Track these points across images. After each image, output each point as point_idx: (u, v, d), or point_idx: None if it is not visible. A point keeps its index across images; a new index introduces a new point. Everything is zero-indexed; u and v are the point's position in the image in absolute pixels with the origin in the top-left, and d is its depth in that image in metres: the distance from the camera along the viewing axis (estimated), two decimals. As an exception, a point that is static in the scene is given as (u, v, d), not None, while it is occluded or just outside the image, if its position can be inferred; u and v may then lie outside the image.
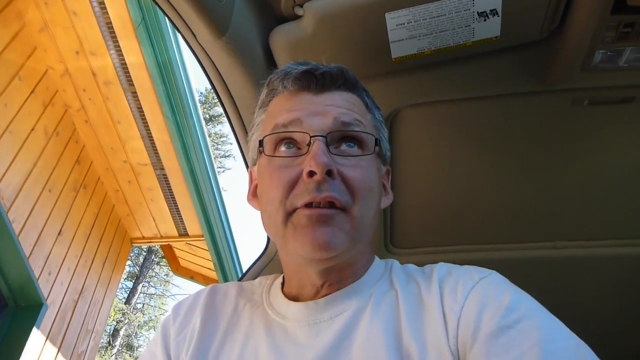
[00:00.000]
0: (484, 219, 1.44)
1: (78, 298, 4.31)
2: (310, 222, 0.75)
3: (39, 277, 3.63)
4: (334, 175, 0.76)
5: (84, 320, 4.44)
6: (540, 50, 1.03)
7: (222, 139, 19.65)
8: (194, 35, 0.96)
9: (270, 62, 1.08)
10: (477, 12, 0.94)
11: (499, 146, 1.27)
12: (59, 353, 3.99)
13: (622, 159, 1.26)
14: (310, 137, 0.78)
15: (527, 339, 0.64)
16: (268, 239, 1.44)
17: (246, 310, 0.91)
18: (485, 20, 0.95)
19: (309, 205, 0.75)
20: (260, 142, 0.85)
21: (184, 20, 0.93)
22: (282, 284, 0.94)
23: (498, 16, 0.94)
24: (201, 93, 19.03)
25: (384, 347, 0.72)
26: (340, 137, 0.81)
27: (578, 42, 0.96)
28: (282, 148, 0.82)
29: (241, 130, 1.17)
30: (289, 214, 0.78)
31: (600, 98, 1.12)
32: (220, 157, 19.54)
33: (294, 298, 0.88)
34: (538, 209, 1.39)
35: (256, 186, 0.91)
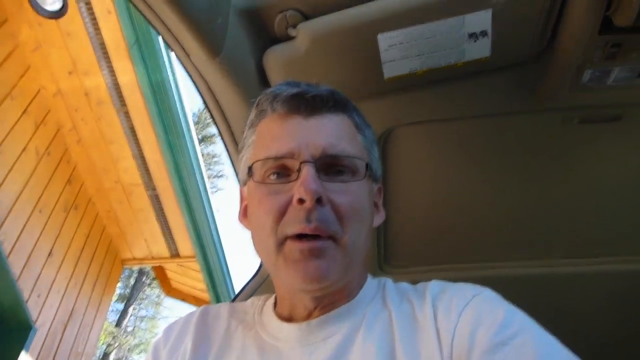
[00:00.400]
0: (478, 237, 1.44)
1: (68, 321, 4.25)
2: (302, 256, 0.75)
3: (28, 299, 3.59)
4: (323, 202, 0.76)
5: (73, 343, 4.37)
6: (529, 70, 1.05)
7: (214, 160, 19.63)
8: (188, 56, 0.97)
9: (264, 82, 1.09)
10: (468, 34, 0.96)
11: (491, 165, 1.28)
12: (48, 377, 3.92)
13: (613, 175, 1.27)
14: (300, 163, 0.78)
15: (522, 355, 0.64)
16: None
17: (238, 331, 0.90)
18: (475, 42, 0.97)
19: (299, 235, 0.75)
20: (250, 168, 0.85)
21: (178, 41, 0.94)
22: (275, 304, 0.93)
23: (488, 37, 0.96)
24: (194, 114, 19.06)
25: None
26: (330, 164, 0.81)
27: (566, 62, 0.98)
28: (272, 176, 0.82)
29: (234, 149, 1.17)
30: (281, 244, 0.77)
31: (590, 116, 1.14)
32: (213, 177, 19.50)
33: (287, 319, 0.87)
34: (532, 226, 1.40)
35: (246, 206, 0.91)
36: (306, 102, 0.83)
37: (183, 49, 0.95)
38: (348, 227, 0.77)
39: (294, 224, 0.76)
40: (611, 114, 1.14)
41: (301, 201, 0.74)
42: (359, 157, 0.83)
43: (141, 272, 17.95)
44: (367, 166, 0.84)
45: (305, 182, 0.74)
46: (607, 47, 0.94)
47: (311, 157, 0.78)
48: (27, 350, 3.56)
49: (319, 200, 0.75)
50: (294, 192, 0.76)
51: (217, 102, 1.08)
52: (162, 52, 3.66)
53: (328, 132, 0.82)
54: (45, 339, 3.87)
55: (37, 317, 3.72)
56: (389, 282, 0.92)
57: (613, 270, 1.46)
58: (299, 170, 0.78)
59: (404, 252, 1.52)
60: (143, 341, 19.32)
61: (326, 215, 0.76)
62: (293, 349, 0.81)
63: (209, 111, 1.12)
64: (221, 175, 19.78)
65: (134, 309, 18.73)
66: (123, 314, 18.07)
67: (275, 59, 1.04)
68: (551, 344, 0.67)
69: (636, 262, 1.44)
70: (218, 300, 5.39)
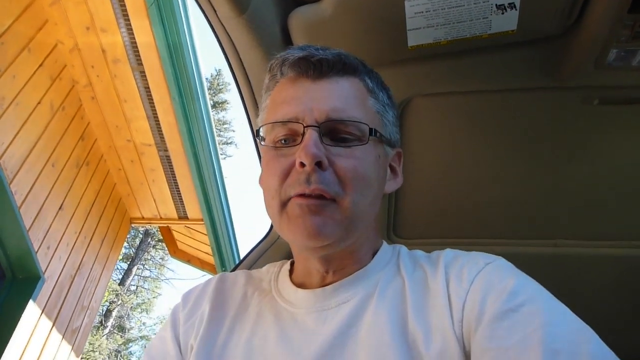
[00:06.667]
0: (487, 213, 1.45)
1: (75, 274, 4.33)
2: (302, 212, 0.77)
3: (38, 250, 3.65)
4: (324, 166, 0.77)
5: (79, 297, 4.46)
6: (554, 46, 1.04)
7: (224, 126, 19.63)
8: (215, 11, 0.97)
9: (288, 43, 1.09)
10: (496, 5, 0.95)
11: (507, 140, 1.28)
12: (54, 327, 4.01)
13: (628, 160, 1.27)
14: (304, 127, 0.79)
15: (530, 322, 0.65)
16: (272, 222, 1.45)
17: (255, 297, 0.93)
18: (502, 13, 0.96)
19: (300, 194, 0.77)
20: (258, 132, 0.87)
21: None
22: (290, 271, 0.96)
23: (516, 10, 0.95)
24: (206, 79, 18.95)
25: (390, 333, 0.74)
26: (334, 128, 0.81)
27: (593, 39, 0.97)
28: (282, 141, 0.83)
29: (253, 109, 1.18)
30: (284, 204, 0.80)
31: (611, 98, 1.13)
32: (222, 143, 19.53)
33: (302, 285, 0.90)
34: (541, 205, 1.41)
35: None
36: (313, 66, 0.84)
37: (210, 4, 0.95)
38: (350, 190, 0.78)
39: (294, 185, 0.78)
40: (633, 96, 1.13)
41: (302, 165, 0.76)
42: (363, 122, 0.82)
43: (147, 233, 18.16)
44: (372, 130, 0.83)
45: (306, 146, 0.76)
46: (636, 26, 0.93)
47: (315, 121, 0.79)
48: (34, 300, 3.64)
49: (319, 164, 0.76)
50: (296, 156, 0.77)
51: (240, 60, 1.09)
52: (180, 14, 3.63)
53: (334, 96, 0.82)
54: (52, 290, 3.95)
55: (46, 269, 3.79)
56: (403, 249, 0.94)
57: (620, 254, 1.47)
58: (303, 134, 0.79)
59: (413, 224, 1.53)
60: (145, 301, 19.65)
61: (327, 179, 0.77)
62: (308, 314, 0.83)
63: (231, 70, 1.12)
64: (230, 142, 19.82)
65: (138, 268, 19.00)
66: (127, 273, 18.34)
67: (300, 21, 1.04)
68: (560, 312, 0.68)
69: None
70: (222, 264, 5.47)
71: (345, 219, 0.78)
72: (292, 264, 0.97)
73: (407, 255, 0.91)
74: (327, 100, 0.81)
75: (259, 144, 0.90)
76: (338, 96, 0.83)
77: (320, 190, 0.76)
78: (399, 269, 0.86)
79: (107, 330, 17.40)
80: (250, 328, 0.86)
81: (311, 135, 0.77)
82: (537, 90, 1.15)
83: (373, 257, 0.90)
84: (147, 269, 20.07)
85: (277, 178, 0.80)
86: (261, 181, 0.89)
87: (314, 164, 0.75)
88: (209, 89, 18.75)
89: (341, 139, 0.81)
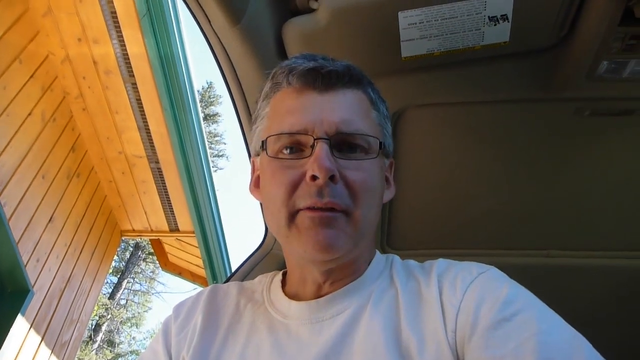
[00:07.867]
0: (480, 224, 1.46)
1: (65, 287, 4.28)
2: (313, 224, 0.76)
3: (27, 263, 3.61)
4: (336, 180, 0.76)
5: (69, 310, 4.40)
6: (547, 58, 1.05)
7: (216, 139, 19.63)
8: (209, 21, 0.97)
9: (282, 54, 1.09)
10: (488, 17, 0.96)
11: (499, 152, 1.28)
12: (43, 341, 3.96)
13: (619, 170, 1.28)
14: (314, 140, 0.78)
15: (524, 330, 0.65)
16: (265, 232, 1.44)
17: (247, 309, 0.92)
18: (495, 25, 0.97)
19: (310, 207, 0.76)
20: (263, 142, 0.85)
21: (201, 5, 0.94)
22: (282, 282, 0.95)
23: (508, 22, 0.96)
24: (198, 91, 18.93)
25: (384, 343, 0.73)
26: (343, 141, 0.81)
27: (585, 51, 0.98)
28: (285, 150, 0.82)
29: (247, 119, 1.18)
30: (292, 216, 0.78)
31: (602, 109, 1.14)
32: (214, 156, 19.50)
33: (295, 296, 0.89)
34: (533, 215, 1.41)
35: (258, 177, 0.91)
36: (322, 77, 0.83)
37: (205, 14, 0.96)
38: (360, 203, 0.78)
39: (305, 198, 0.76)
40: (623, 108, 1.14)
41: (314, 178, 0.75)
42: (372, 135, 0.83)
43: (137, 247, 18.03)
44: (381, 144, 0.84)
45: (319, 159, 0.75)
46: (626, 39, 0.94)
47: (325, 134, 0.78)
48: (23, 314, 3.59)
49: (332, 178, 0.75)
50: (307, 169, 0.76)
51: (234, 71, 1.09)
52: (172, 25, 3.64)
53: (342, 108, 0.82)
54: (41, 304, 3.90)
55: (35, 281, 3.74)
56: (396, 258, 0.94)
57: (612, 265, 1.48)
58: (312, 147, 0.78)
59: (406, 235, 1.53)
60: (135, 315, 19.45)
61: (339, 192, 0.76)
62: (302, 325, 0.83)
63: (225, 80, 1.12)
64: (222, 155, 19.80)
65: (128, 282, 18.82)
66: (117, 286, 18.15)
67: (295, 31, 1.05)
68: (553, 321, 0.68)
69: (635, 257, 1.46)
70: (214, 276, 5.43)
71: (355, 232, 0.78)
72: (283, 275, 0.97)
73: (400, 265, 0.91)
74: (336, 112, 0.80)
75: (261, 153, 0.88)
76: (346, 108, 0.82)
77: (333, 204, 0.75)
78: (392, 279, 0.86)
79: (96, 345, 17.18)
80: (243, 339, 0.85)
81: (322, 148, 0.76)
82: (529, 101, 1.16)
83: (367, 267, 0.89)
84: (137, 283, 19.89)
85: (284, 190, 0.78)
86: (261, 190, 0.88)
87: (327, 177, 0.74)
88: (200, 102, 18.75)
89: (349, 151, 0.81)
